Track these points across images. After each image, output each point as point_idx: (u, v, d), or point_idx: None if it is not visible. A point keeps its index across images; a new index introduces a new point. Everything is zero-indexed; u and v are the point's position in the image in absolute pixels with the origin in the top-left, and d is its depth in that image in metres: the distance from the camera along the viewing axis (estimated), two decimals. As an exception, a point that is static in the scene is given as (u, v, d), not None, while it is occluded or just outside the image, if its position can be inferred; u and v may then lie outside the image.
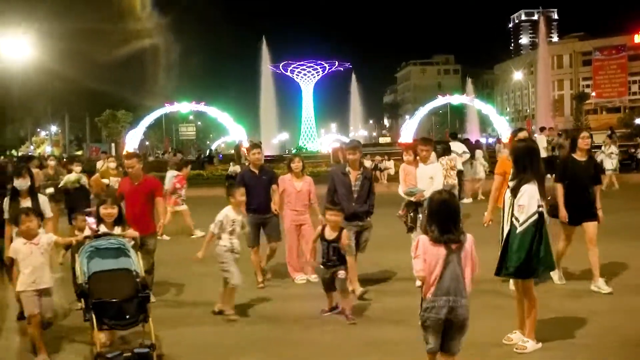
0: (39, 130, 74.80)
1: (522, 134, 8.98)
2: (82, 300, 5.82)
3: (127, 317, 5.62)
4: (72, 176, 13.69)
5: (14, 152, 63.97)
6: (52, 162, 15.38)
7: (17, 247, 6.20)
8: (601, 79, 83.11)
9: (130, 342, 6.35)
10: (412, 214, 8.82)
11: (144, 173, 8.82)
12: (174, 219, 15.26)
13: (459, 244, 4.56)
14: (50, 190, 13.06)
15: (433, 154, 9.47)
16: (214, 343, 6.84)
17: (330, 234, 7.28)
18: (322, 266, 7.39)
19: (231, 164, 32.50)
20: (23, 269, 6.13)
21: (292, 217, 9.47)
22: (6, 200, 7.50)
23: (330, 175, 8.97)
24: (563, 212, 8.02)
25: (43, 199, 7.68)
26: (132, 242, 6.47)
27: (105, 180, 13.74)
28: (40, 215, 7.01)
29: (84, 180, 14.00)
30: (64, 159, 37.64)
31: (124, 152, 42.53)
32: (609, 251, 9.39)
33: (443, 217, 4.60)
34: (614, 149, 24.25)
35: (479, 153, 22.26)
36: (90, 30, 62.09)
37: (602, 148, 24.41)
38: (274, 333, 7.20)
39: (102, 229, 6.47)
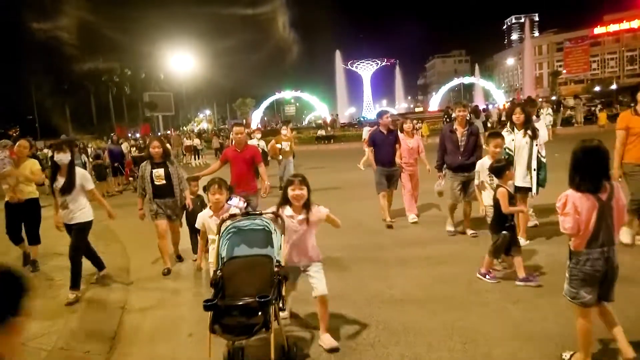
0: (198, 113, 76.41)
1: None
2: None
3: (246, 325, 3.06)
4: (253, 143, 11.35)
5: (184, 127, 65.47)
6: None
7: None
8: (570, 60, 79.84)
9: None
10: None
11: (246, 142, 6.89)
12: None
13: (608, 193, 3.04)
14: None
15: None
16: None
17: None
18: (505, 232, 4.70)
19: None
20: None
21: (405, 168, 7.83)
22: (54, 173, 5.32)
23: (442, 132, 7.04)
24: None
25: (81, 173, 5.42)
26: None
27: (279, 145, 11.74)
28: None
29: (263, 144, 12.21)
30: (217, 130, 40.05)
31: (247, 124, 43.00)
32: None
33: (593, 166, 3.05)
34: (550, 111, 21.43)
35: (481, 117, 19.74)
36: (232, 48, 65.24)
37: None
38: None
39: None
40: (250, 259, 3.54)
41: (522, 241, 5.67)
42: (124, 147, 18.22)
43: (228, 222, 3.67)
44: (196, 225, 4.37)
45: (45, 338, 4.04)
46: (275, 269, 3.40)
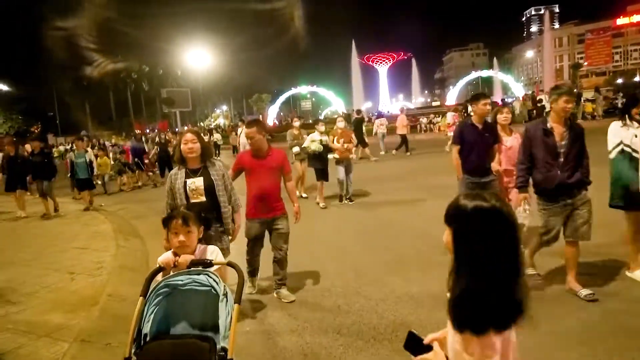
0: (215, 109, 76.85)
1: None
2: None
3: None
4: (316, 140, 9.35)
5: (201, 123, 66.55)
6: (296, 124, 10.71)
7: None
8: (592, 52, 78.49)
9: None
10: None
11: (269, 145, 4.73)
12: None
13: None
14: (296, 149, 9.89)
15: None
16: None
17: None
18: None
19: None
20: None
21: (500, 178, 5.47)
22: None
23: (526, 133, 4.43)
24: None
25: None
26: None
27: (337, 144, 9.18)
28: None
29: (326, 140, 9.36)
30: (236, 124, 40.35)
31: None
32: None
33: None
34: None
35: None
36: (247, 43, 65.52)
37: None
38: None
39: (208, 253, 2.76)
40: (182, 344, 2.23)
41: None
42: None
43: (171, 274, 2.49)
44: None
45: (67, 330, 4.10)
46: None
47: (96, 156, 13.56)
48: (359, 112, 19.81)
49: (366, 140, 17.25)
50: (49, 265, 6.21)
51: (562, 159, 4.18)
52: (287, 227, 4.75)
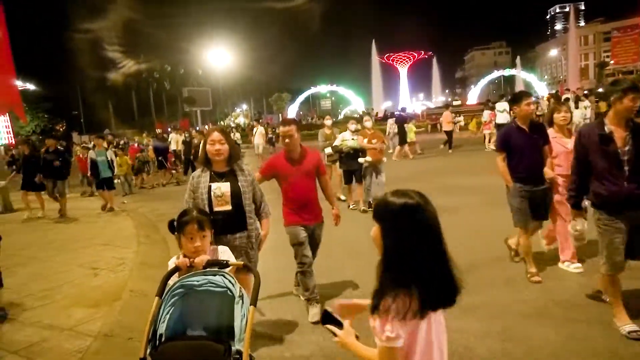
0: (235, 108, 77.27)
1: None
2: None
3: None
4: (348, 139, 8.80)
5: (221, 122, 66.28)
6: (328, 122, 10.02)
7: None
8: (618, 50, 76.77)
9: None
10: None
11: (301, 144, 4.33)
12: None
13: None
14: (329, 150, 9.27)
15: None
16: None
17: None
18: None
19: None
20: None
21: (560, 186, 4.82)
22: None
23: (579, 139, 3.71)
24: None
25: None
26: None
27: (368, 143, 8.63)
28: None
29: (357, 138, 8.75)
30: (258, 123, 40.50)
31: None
32: None
33: None
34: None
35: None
36: (267, 42, 65.93)
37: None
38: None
39: (224, 252, 2.79)
40: (196, 345, 2.21)
41: None
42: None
43: (177, 279, 2.44)
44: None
45: (90, 324, 4.18)
46: None
47: (115, 155, 13.60)
48: (404, 109, 20.28)
49: (407, 139, 17.55)
50: (71, 261, 6.34)
51: (627, 168, 3.46)
52: (321, 235, 4.54)
